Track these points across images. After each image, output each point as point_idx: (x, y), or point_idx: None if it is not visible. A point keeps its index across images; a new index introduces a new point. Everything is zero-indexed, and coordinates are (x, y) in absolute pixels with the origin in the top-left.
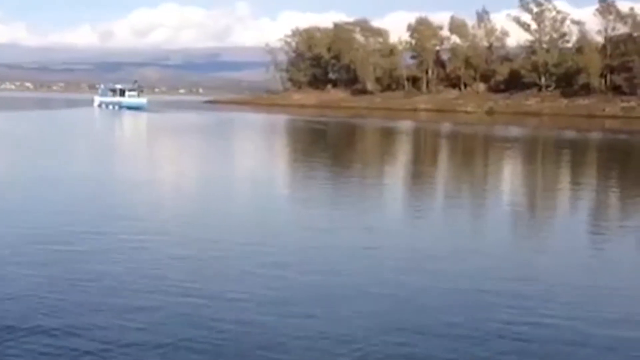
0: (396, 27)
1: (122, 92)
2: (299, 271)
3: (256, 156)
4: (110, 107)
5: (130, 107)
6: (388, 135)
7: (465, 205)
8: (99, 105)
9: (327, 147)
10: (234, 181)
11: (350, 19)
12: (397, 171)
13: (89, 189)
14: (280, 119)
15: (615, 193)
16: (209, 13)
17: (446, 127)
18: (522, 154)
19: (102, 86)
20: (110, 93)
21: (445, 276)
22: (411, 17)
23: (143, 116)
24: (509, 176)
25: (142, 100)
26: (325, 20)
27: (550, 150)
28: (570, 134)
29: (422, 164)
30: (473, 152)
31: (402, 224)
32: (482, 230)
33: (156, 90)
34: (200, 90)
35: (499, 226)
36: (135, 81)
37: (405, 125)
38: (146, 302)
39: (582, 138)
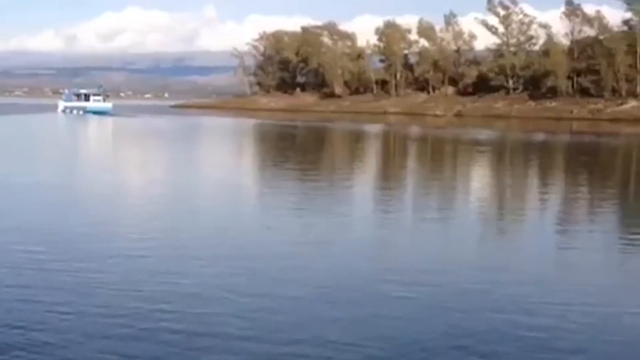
0: (363, 31)
1: (86, 97)
2: (253, 279)
3: (222, 162)
4: (75, 112)
5: (95, 112)
6: (357, 139)
7: (434, 209)
8: (63, 111)
9: (295, 151)
10: (199, 187)
11: (317, 23)
12: (365, 176)
13: (43, 196)
14: (249, 123)
15: (581, 194)
16: (174, 17)
17: (415, 130)
18: (490, 156)
19: (66, 91)
20: (74, 98)
21: (422, 287)
22: (378, 21)
23: (108, 121)
24: (476, 179)
25: (108, 105)
26: (292, 23)
27: (518, 153)
28: (538, 136)
29: (391, 168)
30: (442, 155)
31: (368, 230)
32: (448, 235)
33: (122, 94)
34: (167, 95)
35: (466, 231)
36: (101, 86)
37: (375, 128)
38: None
39: (550, 140)
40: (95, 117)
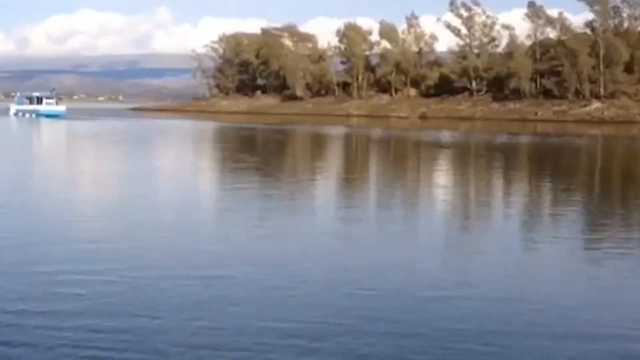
0: (319, 33)
1: (39, 100)
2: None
3: (182, 166)
4: (27, 115)
5: (48, 116)
6: (319, 142)
7: (394, 210)
8: (15, 114)
9: (256, 154)
10: (156, 192)
11: (272, 25)
12: (326, 179)
13: None
14: (209, 126)
15: (542, 195)
16: (128, 19)
17: (379, 132)
18: (454, 158)
19: (18, 94)
20: (26, 101)
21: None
22: (333, 23)
23: (62, 125)
24: (438, 180)
25: (61, 108)
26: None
27: (482, 154)
28: (502, 138)
29: (353, 171)
30: (405, 157)
31: (327, 233)
32: (407, 238)
33: (75, 97)
34: (121, 98)
35: (427, 232)
36: (53, 89)
37: (338, 131)
38: None
39: (514, 142)
40: (48, 120)
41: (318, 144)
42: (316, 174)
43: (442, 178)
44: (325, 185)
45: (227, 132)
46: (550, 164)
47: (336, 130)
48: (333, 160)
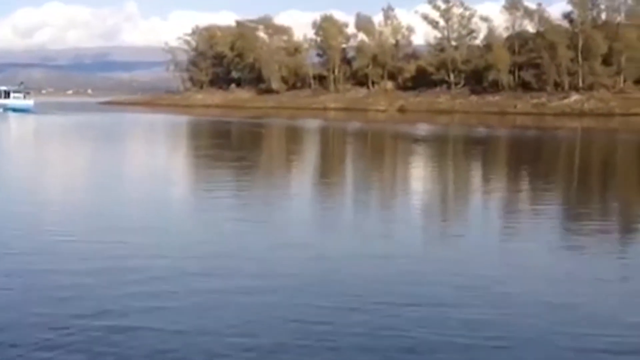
0: (292, 27)
1: (6, 94)
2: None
3: (155, 162)
4: None
5: (15, 110)
6: (296, 136)
7: (371, 204)
8: None
9: (231, 148)
10: (128, 186)
11: (243, 18)
12: (302, 172)
13: None
14: (183, 120)
15: (520, 188)
16: (96, 12)
17: (357, 125)
18: (432, 151)
19: None
20: None
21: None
22: (305, 16)
23: (30, 119)
24: (416, 174)
25: (29, 102)
26: (218, 19)
27: (460, 148)
28: (481, 131)
29: (329, 165)
30: (383, 150)
31: (304, 225)
32: (381, 231)
33: (43, 91)
34: (90, 91)
35: (405, 226)
36: (21, 83)
37: (315, 124)
38: None
39: (492, 135)
40: (16, 115)
41: (295, 137)
42: (293, 169)
43: (418, 173)
44: (301, 181)
45: (202, 126)
46: (528, 158)
47: (313, 124)
48: (310, 155)
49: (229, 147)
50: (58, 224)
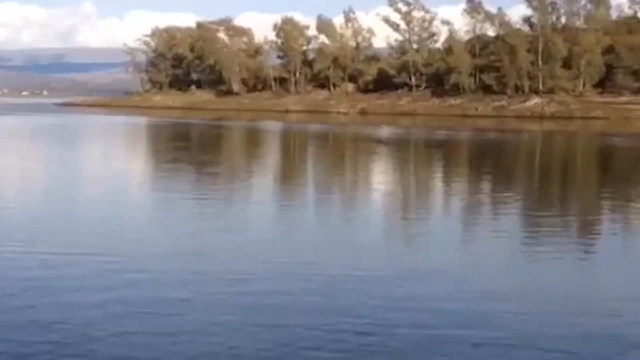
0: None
1: None
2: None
3: (111, 166)
4: None
5: None
6: (257, 138)
7: (332, 205)
8: None
9: (192, 151)
10: (83, 188)
11: (201, 19)
12: (261, 173)
13: None
14: (143, 121)
15: (480, 190)
16: (52, 12)
17: (319, 128)
18: (393, 154)
19: None
20: None
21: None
22: (263, 18)
23: None
24: (377, 178)
25: None
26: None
27: (421, 150)
28: (442, 133)
29: (291, 169)
30: (343, 152)
31: (260, 228)
32: (338, 232)
33: None
34: (45, 92)
35: (365, 228)
36: None
37: (276, 126)
38: None
39: (453, 137)
40: None
41: (257, 140)
42: (253, 171)
43: (379, 177)
44: (261, 184)
45: (162, 128)
46: (488, 160)
47: (275, 126)
48: (272, 159)
49: (190, 150)
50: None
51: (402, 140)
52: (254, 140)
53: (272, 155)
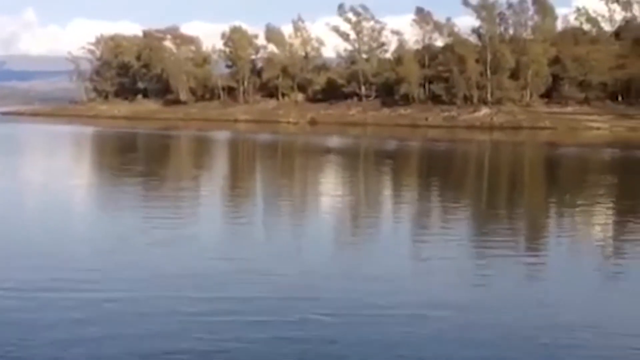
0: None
1: None
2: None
3: (51, 174)
4: None
5: None
6: (205, 148)
7: (279, 217)
8: None
9: (136, 160)
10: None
11: (144, 28)
12: (208, 184)
13: None
14: (88, 131)
15: (430, 199)
16: None
17: (268, 138)
18: (342, 164)
19: None
20: None
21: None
22: (208, 27)
23: None
24: (324, 189)
25: None
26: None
27: (371, 160)
28: (392, 143)
29: (234, 178)
30: (292, 163)
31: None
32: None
33: None
34: None
35: (315, 239)
36: None
37: (225, 136)
38: None
39: (403, 147)
40: None
41: (205, 150)
42: (200, 182)
43: (326, 187)
44: (207, 196)
45: (108, 138)
46: (436, 170)
47: (224, 136)
48: (220, 170)
49: (137, 161)
50: None
51: (352, 150)
52: (202, 150)
53: (220, 166)
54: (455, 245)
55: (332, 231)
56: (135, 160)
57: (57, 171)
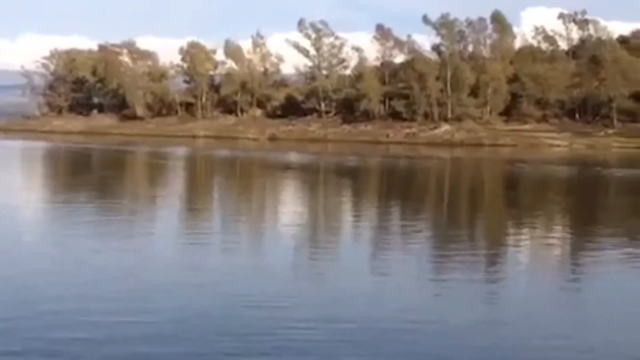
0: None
1: None
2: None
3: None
4: None
5: None
6: (159, 164)
7: (236, 234)
8: None
9: (89, 177)
10: None
11: (94, 43)
12: (166, 201)
13: None
14: (41, 146)
15: (389, 214)
16: None
17: (227, 154)
18: (301, 180)
19: None
20: None
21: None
22: (160, 42)
23: None
24: (283, 208)
25: None
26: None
27: (331, 177)
28: (352, 160)
29: (195, 197)
30: (250, 179)
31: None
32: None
33: None
34: None
35: (266, 257)
36: None
37: (183, 152)
38: None
39: (363, 164)
40: None
41: (162, 166)
42: (156, 199)
43: (283, 204)
44: (164, 213)
45: (61, 154)
46: (396, 187)
47: (182, 152)
48: (175, 185)
49: (91, 177)
50: None
51: (312, 167)
52: (160, 166)
53: (178, 183)
54: (410, 262)
55: (281, 253)
56: (89, 177)
57: (4, 188)
